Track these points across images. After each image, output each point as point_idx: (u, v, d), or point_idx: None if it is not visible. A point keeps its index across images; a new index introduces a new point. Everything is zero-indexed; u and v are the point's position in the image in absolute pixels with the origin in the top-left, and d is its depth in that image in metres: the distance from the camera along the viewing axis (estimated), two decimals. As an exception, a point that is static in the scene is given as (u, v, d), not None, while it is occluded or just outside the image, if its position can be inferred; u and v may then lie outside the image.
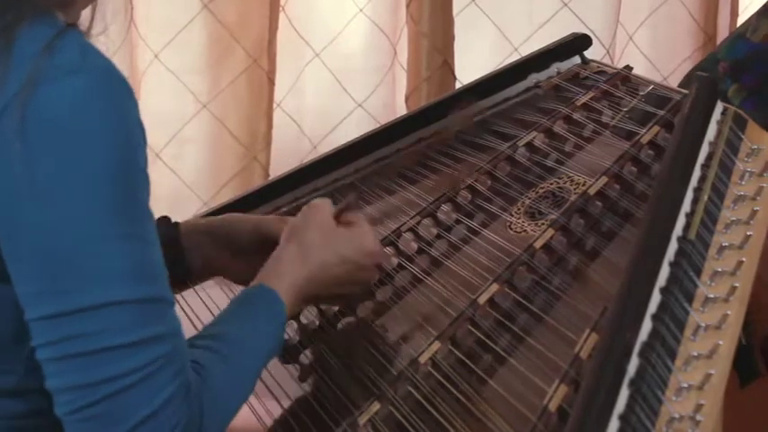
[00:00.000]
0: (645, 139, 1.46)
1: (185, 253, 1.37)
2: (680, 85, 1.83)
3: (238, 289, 1.47)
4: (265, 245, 1.32)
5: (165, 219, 1.39)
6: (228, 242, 1.37)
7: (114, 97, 0.97)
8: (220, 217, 1.43)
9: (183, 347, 1.01)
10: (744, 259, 1.17)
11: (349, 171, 1.68)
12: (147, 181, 1.00)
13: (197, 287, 1.50)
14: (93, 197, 0.95)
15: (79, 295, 0.95)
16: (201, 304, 1.47)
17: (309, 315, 1.37)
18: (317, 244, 1.23)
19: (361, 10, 2.33)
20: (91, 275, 0.95)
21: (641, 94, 1.60)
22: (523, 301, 1.26)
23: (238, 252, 1.36)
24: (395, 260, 1.42)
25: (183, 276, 1.39)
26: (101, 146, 0.95)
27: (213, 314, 1.44)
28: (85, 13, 1.08)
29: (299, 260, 1.21)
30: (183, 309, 1.48)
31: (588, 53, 1.76)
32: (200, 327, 1.42)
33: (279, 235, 1.32)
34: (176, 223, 1.39)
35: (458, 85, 2.32)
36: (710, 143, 1.34)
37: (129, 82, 0.99)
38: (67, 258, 0.95)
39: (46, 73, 0.94)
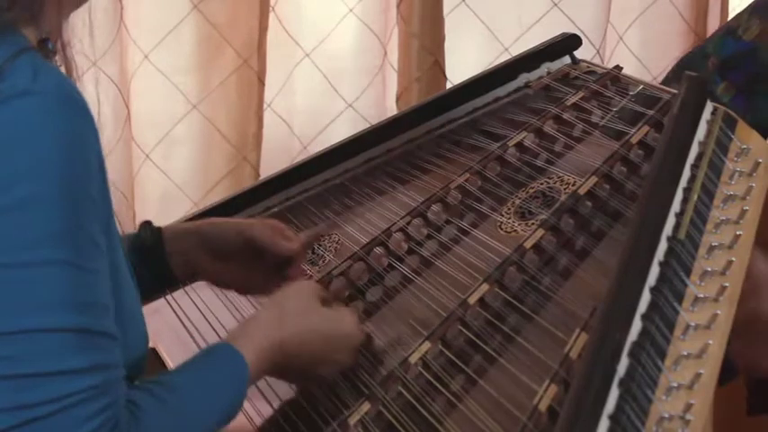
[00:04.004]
0: (634, 139, 1.46)
1: (169, 258, 1.36)
2: (665, 78, 1.82)
3: (230, 293, 1.47)
4: (246, 248, 1.34)
5: (147, 223, 1.38)
6: (213, 247, 1.36)
7: (66, 120, 0.95)
8: (206, 222, 1.42)
9: (117, 383, 0.98)
10: (733, 259, 1.17)
11: (339, 171, 1.68)
12: (97, 209, 0.98)
13: (187, 288, 1.50)
14: (36, 220, 0.93)
15: (11, 318, 0.93)
16: (192, 305, 1.47)
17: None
18: (297, 313, 1.20)
19: (351, 10, 2.33)
20: (26, 299, 0.93)
21: (631, 93, 1.60)
22: (513, 301, 1.26)
23: (220, 256, 1.36)
24: (385, 260, 1.42)
25: (166, 280, 1.39)
26: (47, 169, 0.93)
27: (204, 315, 1.44)
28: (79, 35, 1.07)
29: (276, 325, 1.17)
30: (174, 310, 1.48)
31: (578, 53, 1.76)
32: (191, 328, 1.42)
33: (261, 239, 1.34)
34: (159, 228, 1.38)
35: (448, 85, 2.33)
36: (700, 143, 1.34)
37: (86, 104, 0.97)
38: (4, 279, 0.93)
39: None
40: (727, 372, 1.09)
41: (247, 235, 1.36)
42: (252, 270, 1.38)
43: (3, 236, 0.93)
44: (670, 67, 2.52)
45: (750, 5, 1.76)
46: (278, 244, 1.37)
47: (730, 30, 1.76)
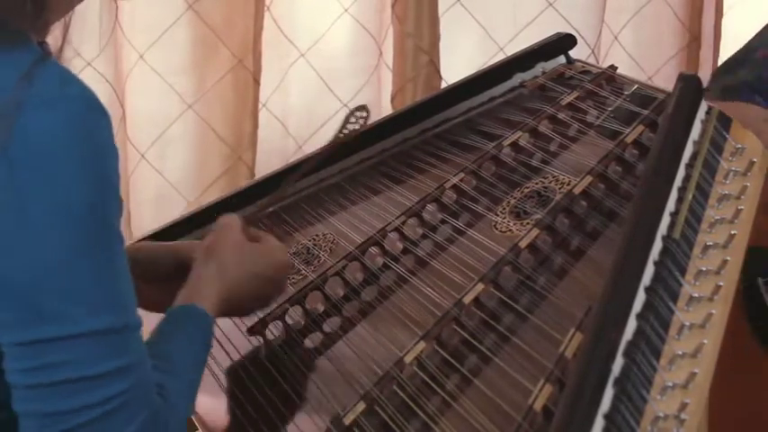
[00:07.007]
0: (629, 139, 1.46)
1: None
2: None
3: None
4: (180, 269, 1.32)
5: None
6: (147, 271, 1.33)
7: (91, 126, 0.97)
8: (132, 248, 1.37)
9: (147, 374, 1.01)
10: (728, 258, 1.17)
11: (334, 171, 1.68)
12: (120, 208, 1.01)
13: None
14: (68, 227, 0.95)
15: (52, 324, 0.94)
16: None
17: (295, 315, 1.37)
18: (232, 262, 1.25)
19: (346, 10, 2.33)
20: (65, 305, 0.95)
21: (626, 93, 1.60)
22: (509, 301, 1.26)
23: (154, 279, 1.33)
24: (380, 260, 1.42)
25: None
26: (77, 176, 0.95)
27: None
28: (56, 35, 1.07)
29: (218, 278, 1.22)
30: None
31: (573, 53, 1.76)
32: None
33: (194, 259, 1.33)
34: None
35: (443, 85, 2.33)
36: (695, 142, 1.34)
37: (107, 110, 0.99)
38: (43, 287, 0.94)
39: (25, 102, 0.94)
40: None
41: (181, 257, 1.33)
42: None
43: (37, 243, 0.94)
44: (665, 66, 2.53)
45: None
46: None
47: None
